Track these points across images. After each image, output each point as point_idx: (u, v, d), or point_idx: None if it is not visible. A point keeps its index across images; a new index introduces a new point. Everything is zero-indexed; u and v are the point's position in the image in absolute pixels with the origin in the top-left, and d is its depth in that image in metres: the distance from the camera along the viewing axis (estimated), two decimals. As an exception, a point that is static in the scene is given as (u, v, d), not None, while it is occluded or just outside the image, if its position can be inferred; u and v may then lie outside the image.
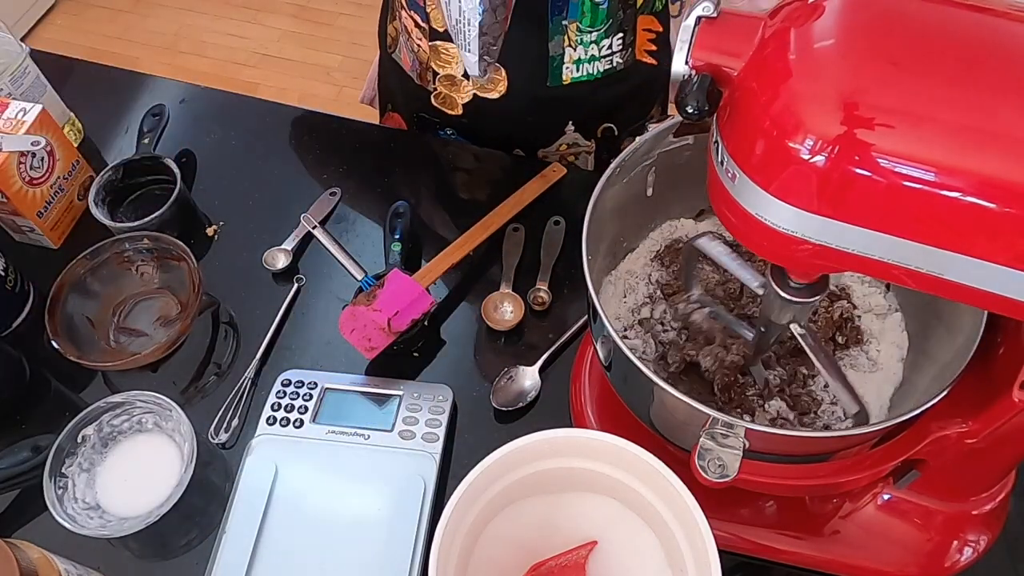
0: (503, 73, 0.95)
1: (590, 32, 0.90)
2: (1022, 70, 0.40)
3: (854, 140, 0.41)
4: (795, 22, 0.44)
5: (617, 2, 0.90)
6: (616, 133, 1.05)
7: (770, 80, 0.43)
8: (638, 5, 0.92)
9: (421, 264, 0.89)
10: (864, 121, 0.40)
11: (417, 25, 0.94)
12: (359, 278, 0.89)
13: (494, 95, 0.97)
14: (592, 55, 0.93)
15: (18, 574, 0.59)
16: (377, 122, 1.17)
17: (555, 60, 0.93)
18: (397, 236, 0.93)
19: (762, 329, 0.62)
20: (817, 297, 0.54)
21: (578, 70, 0.94)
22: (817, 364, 0.59)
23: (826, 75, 0.42)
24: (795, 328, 0.58)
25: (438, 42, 0.94)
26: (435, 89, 1.00)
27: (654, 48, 0.97)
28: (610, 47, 0.93)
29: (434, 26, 0.92)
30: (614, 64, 0.96)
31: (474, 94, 0.98)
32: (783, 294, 0.54)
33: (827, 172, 0.41)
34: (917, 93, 0.41)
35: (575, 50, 0.92)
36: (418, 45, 0.96)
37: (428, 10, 0.90)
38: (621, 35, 0.93)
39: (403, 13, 0.97)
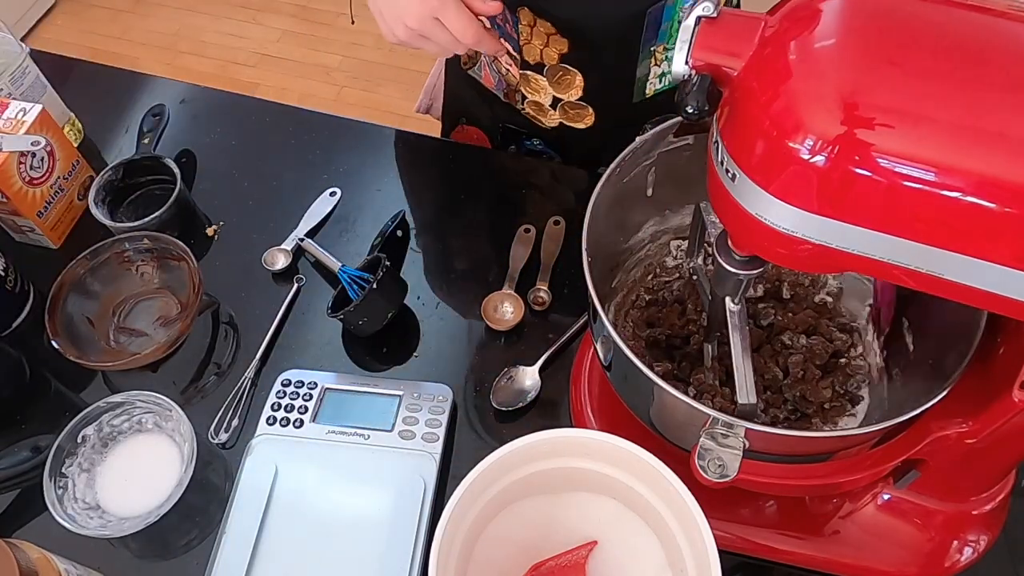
0: (590, 109, 0.95)
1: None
2: (1021, 70, 0.40)
3: (854, 140, 0.41)
4: (795, 22, 0.44)
5: None
6: None
7: (770, 80, 0.43)
8: None
9: (404, 262, 0.88)
10: (864, 121, 0.40)
11: (507, 51, 0.94)
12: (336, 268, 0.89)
13: (580, 126, 0.98)
14: None
15: (18, 574, 0.59)
16: (377, 122, 1.17)
17: (641, 80, 0.93)
18: (380, 233, 0.93)
19: (709, 298, 0.64)
20: (757, 271, 0.55)
21: (661, 82, 0.93)
22: (733, 343, 0.59)
23: (826, 75, 0.42)
24: (728, 303, 0.59)
25: (529, 72, 0.94)
26: (523, 108, 1.00)
27: None
28: None
29: (526, 58, 0.92)
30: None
31: (561, 122, 0.99)
32: (725, 265, 0.55)
33: (827, 172, 0.41)
34: (917, 93, 0.41)
35: (660, 66, 0.91)
36: (507, 69, 0.96)
37: (521, 43, 0.90)
38: None
39: None
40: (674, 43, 0.89)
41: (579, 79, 0.92)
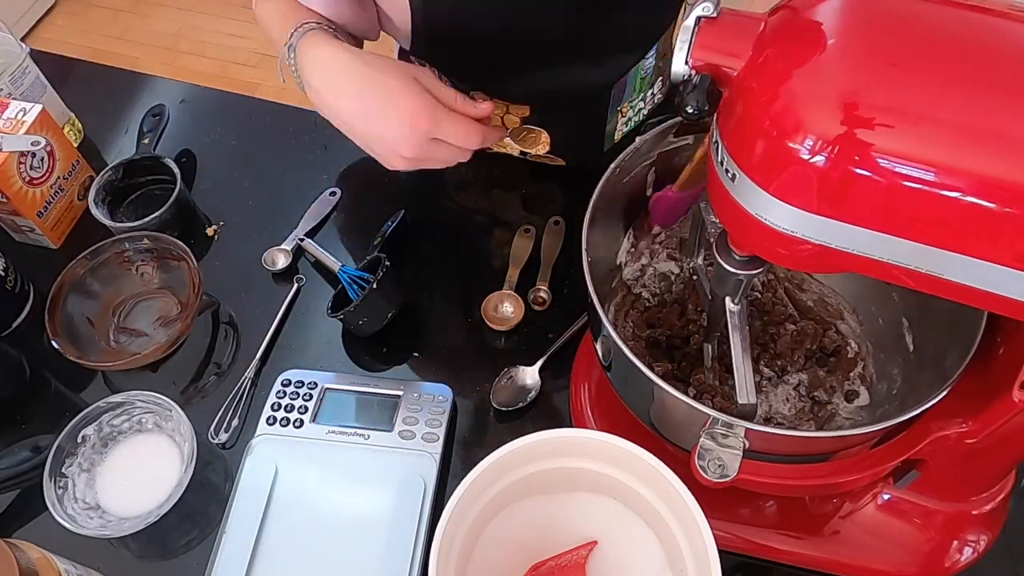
0: (560, 159, 0.97)
1: (639, 97, 0.92)
2: (1022, 70, 0.40)
3: (854, 140, 0.41)
4: (795, 22, 0.44)
5: (658, 61, 0.90)
6: None
7: (770, 80, 0.43)
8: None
9: (404, 262, 0.88)
10: (864, 121, 0.40)
11: None
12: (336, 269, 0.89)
13: (555, 164, 0.99)
14: (639, 108, 0.94)
15: (18, 574, 0.59)
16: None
17: (609, 133, 0.94)
18: (380, 233, 0.93)
19: (709, 298, 0.64)
20: (757, 271, 0.55)
21: (627, 126, 0.95)
22: (733, 343, 0.59)
23: (826, 75, 0.42)
24: (729, 303, 0.59)
25: None
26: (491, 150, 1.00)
27: None
28: (652, 92, 0.94)
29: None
30: (656, 101, 0.96)
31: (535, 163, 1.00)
32: (725, 265, 0.55)
33: (827, 172, 0.41)
34: (917, 93, 0.41)
35: (625, 115, 0.93)
36: None
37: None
38: (660, 78, 0.94)
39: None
40: (637, 94, 0.90)
41: (544, 136, 0.92)
